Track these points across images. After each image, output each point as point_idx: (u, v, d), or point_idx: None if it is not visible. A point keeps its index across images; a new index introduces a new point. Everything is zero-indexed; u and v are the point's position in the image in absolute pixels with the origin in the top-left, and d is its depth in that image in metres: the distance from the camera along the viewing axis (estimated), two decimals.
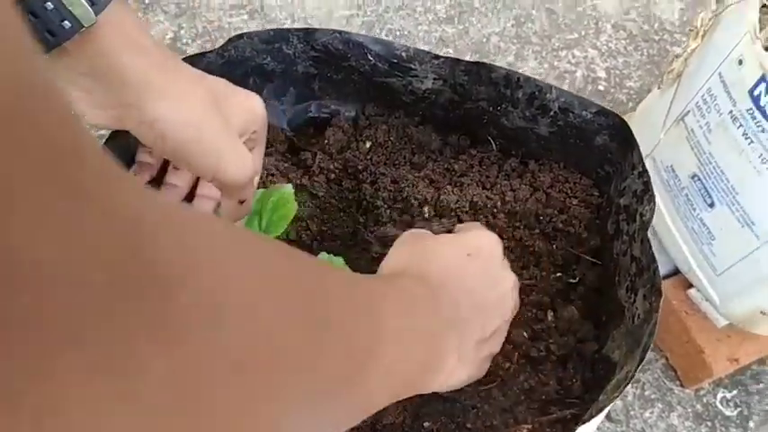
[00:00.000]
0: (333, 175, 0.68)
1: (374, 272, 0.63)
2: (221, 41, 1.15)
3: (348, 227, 0.68)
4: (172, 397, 0.17)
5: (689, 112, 0.76)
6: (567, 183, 0.64)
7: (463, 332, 0.43)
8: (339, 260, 0.58)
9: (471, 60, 0.59)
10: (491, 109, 0.64)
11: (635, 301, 0.52)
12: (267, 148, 0.69)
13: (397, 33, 1.21)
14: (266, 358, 0.22)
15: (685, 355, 0.92)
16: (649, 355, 0.96)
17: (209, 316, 0.19)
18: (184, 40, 1.16)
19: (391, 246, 0.65)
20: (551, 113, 0.60)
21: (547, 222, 0.64)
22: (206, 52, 0.60)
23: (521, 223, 0.65)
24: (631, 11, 1.28)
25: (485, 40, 1.22)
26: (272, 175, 0.66)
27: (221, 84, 0.50)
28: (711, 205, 0.77)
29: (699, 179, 0.78)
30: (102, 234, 0.15)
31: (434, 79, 0.63)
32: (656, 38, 1.26)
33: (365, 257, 0.65)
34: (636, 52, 1.24)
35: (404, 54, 0.61)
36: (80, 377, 0.15)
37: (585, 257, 0.63)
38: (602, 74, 1.21)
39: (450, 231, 0.55)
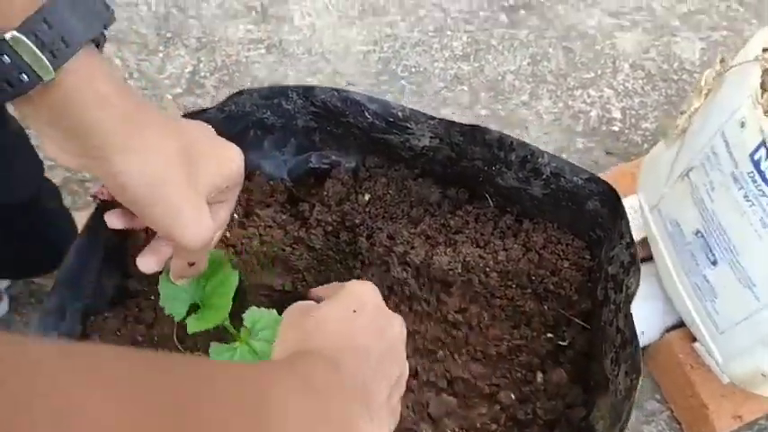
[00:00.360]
0: (330, 228, 0.69)
1: None
2: (238, 75, 1.18)
3: (346, 279, 0.69)
4: None
5: (693, 168, 0.76)
6: (560, 244, 0.64)
7: (369, 397, 0.41)
8: (272, 313, 0.55)
9: (465, 123, 0.60)
10: (486, 168, 0.64)
11: (618, 374, 0.52)
12: (266, 199, 0.71)
13: (413, 70, 1.22)
14: None
15: (689, 408, 0.90)
16: (654, 406, 0.95)
17: None
18: (203, 74, 1.19)
19: (389, 296, 0.66)
20: (544, 177, 0.61)
21: (539, 283, 0.64)
22: (206, 109, 0.61)
23: (513, 282, 0.65)
24: (651, 50, 1.27)
25: (500, 78, 1.22)
26: (270, 227, 0.67)
27: (200, 135, 0.47)
28: (714, 263, 0.76)
29: (702, 236, 0.77)
30: None
31: (431, 137, 0.64)
32: (675, 77, 1.25)
33: None
34: (654, 92, 1.23)
35: (400, 113, 0.62)
36: None
37: (576, 321, 0.63)
38: (618, 114, 1.20)
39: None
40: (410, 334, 0.65)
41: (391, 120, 0.63)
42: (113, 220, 0.50)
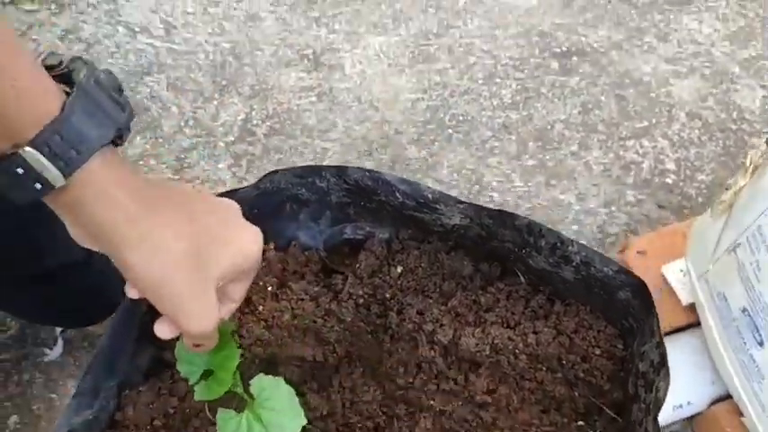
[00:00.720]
0: (362, 300, 0.69)
1: (405, 403, 0.64)
2: (289, 123, 1.21)
3: (375, 350, 0.69)
4: None
5: (740, 244, 0.73)
6: (591, 330, 0.63)
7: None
8: (280, 382, 0.56)
9: (494, 208, 0.60)
10: (516, 250, 0.64)
11: None
12: (301, 269, 0.72)
13: (460, 119, 1.22)
14: None
15: None
16: None
17: None
18: (255, 122, 1.22)
19: (416, 374, 0.66)
20: (574, 264, 0.60)
21: (569, 368, 0.63)
22: (241, 188, 0.63)
23: (543, 366, 0.64)
24: (709, 98, 1.23)
25: (549, 127, 1.21)
26: (302, 299, 0.69)
27: (219, 219, 0.48)
28: (761, 344, 0.73)
29: (749, 314, 0.74)
30: None
31: (461, 218, 0.64)
32: (734, 127, 1.21)
33: (393, 385, 0.66)
34: (710, 143, 1.19)
35: (430, 195, 0.62)
36: None
37: (607, 411, 0.61)
38: (672, 165, 1.17)
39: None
40: (437, 413, 0.65)
41: (422, 201, 0.63)
42: (163, 331, 0.50)
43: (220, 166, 1.18)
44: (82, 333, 1.04)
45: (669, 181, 1.16)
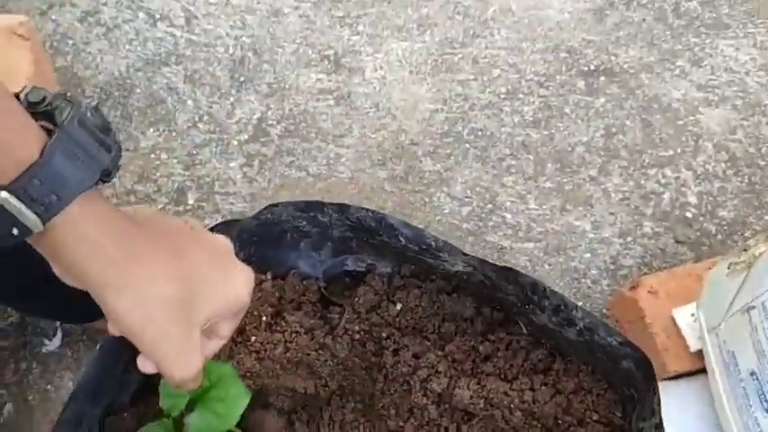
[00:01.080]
0: (357, 336, 0.68)
1: None
2: (303, 125, 1.19)
3: (368, 387, 0.68)
4: None
5: (754, 308, 0.70)
6: (591, 394, 0.61)
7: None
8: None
9: (498, 264, 0.57)
10: (519, 305, 0.61)
11: None
12: (298, 297, 0.70)
13: (479, 133, 1.19)
14: None
15: None
16: None
17: None
18: (270, 121, 1.20)
19: (408, 418, 0.65)
20: (577, 328, 0.57)
21: (565, 429, 0.61)
22: (239, 219, 0.61)
23: (538, 423, 0.62)
24: (738, 130, 1.19)
25: (569, 149, 1.18)
26: (297, 332, 0.67)
27: (208, 259, 0.47)
28: None
29: (757, 378, 0.71)
30: None
31: (464, 266, 0.62)
32: (762, 163, 1.17)
33: (383, 425, 0.65)
34: (735, 177, 1.15)
35: (433, 243, 0.60)
36: None
37: None
38: (693, 199, 1.14)
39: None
40: None
41: (424, 247, 0.61)
42: (147, 366, 0.49)
43: (232, 164, 1.17)
44: (81, 326, 1.04)
45: (689, 215, 1.12)
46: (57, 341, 1.03)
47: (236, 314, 0.50)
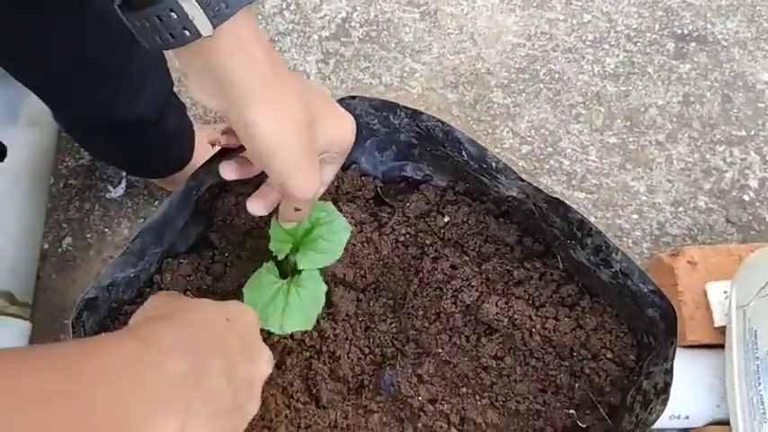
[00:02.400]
0: (402, 238, 0.72)
1: (415, 343, 0.67)
2: (385, 34, 1.20)
3: (401, 287, 0.72)
4: None
5: None
6: (610, 334, 0.64)
7: (201, 401, 0.38)
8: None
9: (551, 195, 0.60)
10: (562, 238, 0.64)
11: None
12: (354, 191, 0.74)
13: (555, 76, 1.19)
14: None
15: None
16: None
17: None
18: (353, 23, 1.22)
19: (433, 321, 0.69)
20: (613, 270, 0.60)
21: (578, 360, 0.65)
22: None
23: (553, 351, 0.66)
24: None
25: (642, 109, 1.17)
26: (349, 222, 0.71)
27: (321, 101, 0.51)
28: None
29: None
30: None
31: (518, 192, 0.64)
32: None
33: (409, 323, 0.69)
34: None
35: (493, 164, 0.62)
36: None
37: (600, 410, 0.63)
38: (755, 183, 1.13)
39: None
40: (442, 362, 0.69)
41: (484, 166, 0.63)
42: (228, 172, 0.55)
43: (309, 58, 1.19)
44: (144, 182, 1.11)
45: (746, 198, 1.12)
46: (120, 190, 1.10)
47: (338, 158, 0.55)
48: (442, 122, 0.63)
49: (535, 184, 0.60)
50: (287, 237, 0.62)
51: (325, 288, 0.62)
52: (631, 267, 0.58)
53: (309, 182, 0.49)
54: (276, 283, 0.61)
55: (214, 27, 0.42)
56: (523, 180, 0.61)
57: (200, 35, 0.42)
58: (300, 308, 0.61)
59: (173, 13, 0.41)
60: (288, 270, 0.63)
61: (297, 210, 0.54)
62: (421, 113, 0.64)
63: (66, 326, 1.04)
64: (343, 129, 0.53)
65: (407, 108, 0.65)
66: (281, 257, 0.62)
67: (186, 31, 0.42)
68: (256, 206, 0.55)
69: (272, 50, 0.46)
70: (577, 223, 0.60)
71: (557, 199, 0.60)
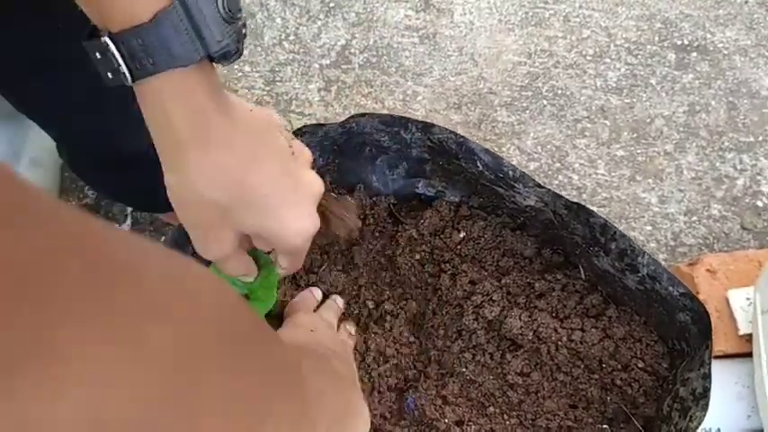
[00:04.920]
0: (418, 256, 0.70)
1: (438, 364, 0.66)
2: (386, 59, 1.20)
3: (420, 306, 0.70)
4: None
5: None
6: (640, 343, 0.62)
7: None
8: None
9: (572, 200, 0.58)
10: (584, 246, 0.62)
11: None
12: (366, 212, 0.73)
13: (558, 92, 1.18)
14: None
15: None
16: None
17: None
18: (353, 50, 1.22)
19: (455, 339, 0.67)
20: (640, 275, 0.58)
21: (608, 373, 0.63)
22: (325, 124, 0.63)
23: (581, 363, 0.64)
24: None
25: (648, 120, 1.16)
26: (362, 243, 0.70)
27: (284, 190, 0.46)
28: None
29: None
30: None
31: (536, 201, 0.63)
32: None
33: (430, 343, 0.67)
34: None
35: (510, 173, 0.61)
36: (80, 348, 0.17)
37: (635, 423, 0.61)
38: (767, 189, 1.11)
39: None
40: (467, 381, 0.66)
41: (501, 175, 0.62)
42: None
43: (311, 87, 1.19)
44: (150, 217, 1.09)
45: (760, 204, 1.10)
46: (125, 227, 1.09)
47: (290, 251, 0.49)
48: (456, 134, 0.62)
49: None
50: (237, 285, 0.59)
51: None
52: (659, 271, 0.56)
53: (208, 248, 0.46)
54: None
55: (133, 80, 0.39)
56: (542, 186, 0.60)
57: (120, 81, 0.40)
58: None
59: (97, 54, 0.39)
60: None
61: (294, 261, 0.52)
62: (433, 126, 0.63)
63: None
64: (290, 223, 0.46)
65: (418, 121, 0.64)
66: None
67: (110, 74, 0.40)
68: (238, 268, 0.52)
69: (210, 116, 0.41)
70: (600, 228, 0.59)
71: (577, 204, 0.59)
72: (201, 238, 0.46)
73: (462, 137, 0.62)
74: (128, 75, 0.39)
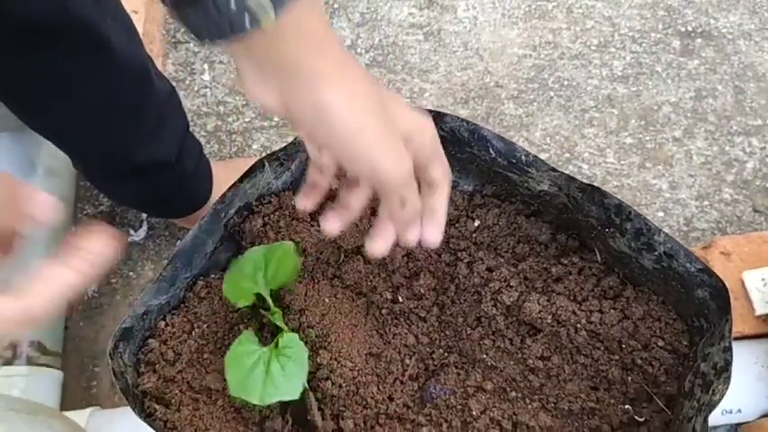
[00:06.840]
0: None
1: (458, 353, 0.66)
2: (391, 57, 1.21)
3: (438, 295, 0.71)
4: None
5: None
6: (659, 321, 0.62)
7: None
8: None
9: (586, 182, 0.59)
10: (599, 228, 0.63)
11: None
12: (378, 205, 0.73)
13: (565, 83, 1.19)
14: None
15: None
16: None
17: None
18: (359, 50, 1.23)
19: (475, 327, 0.68)
20: (656, 253, 0.59)
21: (628, 353, 0.63)
22: None
23: (601, 345, 0.64)
24: None
25: (656, 107, 1.16)
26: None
27: (393, 94, 0.47)
28: None
29: None
30: None
31: (550, 185, 0.63)
32: None
33: (450, 332, 0.68)
34: None
35: (523, 158, 0.62)
36: None
37: (657, 401, 0.61)
38: None
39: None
40: (488, 368, 0.67)
41: (514, 161, 0.63)
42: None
43: None
44: (165, 222, 1.10)
45: None
46: (141, 233, 1.10)
47: (427, 146, 0.48)
48: (467, 121, 0.63)
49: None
50: (243, 291, 0.61)
51: (307, 352, 0.59)
52: (676, 248, 0.57)
53: (399, 162, 0.43)
54: (256, 351, 0.58)
55: (276, 17, 0.38)
56: (556, 170, 0.60)
57: (260, 25, 0.38)
58: (283, 378, 0.57)
59: (231, 3, 0.38)
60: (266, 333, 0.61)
61: (402, 204, 0.46)
62: (444, 114, 0.64)
63: (98, 373, 1.02)
64: (417, 115, 0.47)
65: (429, 110, 0.64)
66: (241, 306, 0.61)
67: (246, 22, 0.38)
68: (330, 220, 0.50)
69: (333, 32, 0.43)
70: (615, 208, 0.59)
71: (591, 185, 0.59)
72: (394, 152, 0.44)
73: (474, 124, 0.63)
74: (269, 12, 0.38)
